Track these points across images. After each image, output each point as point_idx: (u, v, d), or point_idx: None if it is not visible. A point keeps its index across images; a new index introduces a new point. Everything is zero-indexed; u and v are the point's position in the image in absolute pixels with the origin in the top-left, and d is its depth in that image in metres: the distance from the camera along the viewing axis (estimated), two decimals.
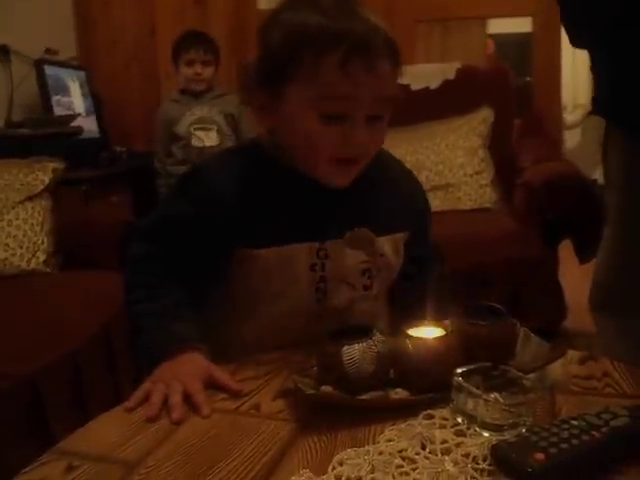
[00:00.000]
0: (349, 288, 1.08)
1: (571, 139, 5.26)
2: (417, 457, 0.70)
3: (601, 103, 1.46)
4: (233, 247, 1.04)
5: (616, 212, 1.48)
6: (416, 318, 0.88)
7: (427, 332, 0.85)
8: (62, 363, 1.78)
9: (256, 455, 0.74)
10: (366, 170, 1.05)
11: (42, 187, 2.48)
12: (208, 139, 3.20)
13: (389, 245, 1.11)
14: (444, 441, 0.73)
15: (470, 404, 0.75)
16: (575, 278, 2.67)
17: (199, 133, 3.20)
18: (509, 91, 3.28)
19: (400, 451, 0.71)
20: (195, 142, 3.21)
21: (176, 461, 0.74)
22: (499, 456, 0.67)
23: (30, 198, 2.43)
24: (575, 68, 5.15)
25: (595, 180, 3.86)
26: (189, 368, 0.92)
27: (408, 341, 0.84)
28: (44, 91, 3.23)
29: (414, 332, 0.85)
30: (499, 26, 4.25)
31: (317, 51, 0.94)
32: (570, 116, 5.33)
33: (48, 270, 2.36)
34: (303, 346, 0.96)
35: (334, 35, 0.93)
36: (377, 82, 0.95)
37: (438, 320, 0.88)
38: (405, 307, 1.13)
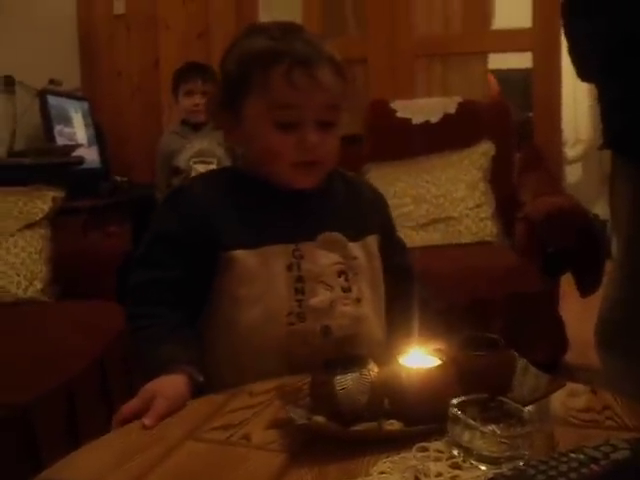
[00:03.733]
0: (327, 289, 1.11)
1: (572, 174, 5.27)
2: None
3: (610, 135, 1.45)
4: (216, 254, 1.09)
5: (625, 245, 1.47)
6: (402, 331, 0.89)
7: (422, 361, 0.83)
8: (56, 393, 1.76)
9: None
10: (330, 183, 1.19)
11: (41, 215, 2.47)
12: None
13: (361, 249, 1.17)
14: (439, 474, 0.71)
15: (466, 436, 0.73)
16: (577, 312, 2.66)
17: (199, 166, 3.16)
18: (510, 125, 3.29)
19: None
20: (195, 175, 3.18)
21: None
22: None
23: (29, 226, 2.43)
24: (576, 103, 5.18)
25: (596, 215, 3.86)
26: (160, 387, 0.96)
27: (402, 371, 0.82)
28: (47, 121, 3.25)
29: (409, 361, 0.83)
30: (500, 62, 4.28)
31: (264, 67, 1.08)
32: (571, 151, 5.34)
33: (45, 299, 2.34)
34: (298, 375, 0.94)
35: (278, 52, 1.08)
36: (320, 90, 1.09)
37: (425, 338, 0.86)
38: (391, 317, 1.21)
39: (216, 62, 3.75)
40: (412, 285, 1.26)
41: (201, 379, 1.00)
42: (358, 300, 1.14)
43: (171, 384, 0.96)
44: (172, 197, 1.18)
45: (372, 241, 1.20)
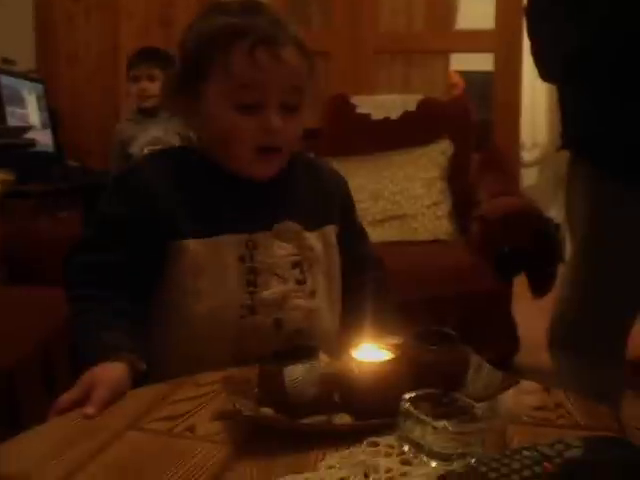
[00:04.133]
0: (280, 281, 1.08)
1: (528, 177, 5.33)
2: None
3: (569, 137, 1.45)
4: (165, 242, 1.05)
5: (579, 246, 1.47)
6: (358, 322, 0.91)
7: (375, 355, 0.81)
8: None
9: (189, 479, 0.69)
10: (291, 169, 1.14)
11: None
12: None
13: (318, 240, 1.14)
14: (389, 470, 0.69)
15: (417, 431, 0.71)
16: (529, 313, 2.68)
17: None
18: (469, 124, 3.29)
19: (341, 479, 0.67)
20: None
21: None
22: None
23: None
24: (534, 108, 5.23)
25: (550, 218, 3.90)
26: (100, 375, 0.91)
27: (354, 364, 0.80)
28: None
29: (361, 354, 0.81)
30: (462, 63, 4.30)
31: (225, 46, 1.03)
32: (528, 154, 5.39)
33: None
34: (245, 365, 0.92)
35: (240, 30, 1.03)
36: (284, 70, 1.04)
37: (381, 331, 0.84)
38: (348, 309, 1.17)
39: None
40: (370, 275, 1.22)
41: (143, 367, 0.96)
42: (312, 293, 1.11)
43: (111, 372, 0.91)
44: (121, 179, 1.13)
45: (330, 231, 1.17)
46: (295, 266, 1.10)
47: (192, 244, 1.04)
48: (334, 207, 1.20)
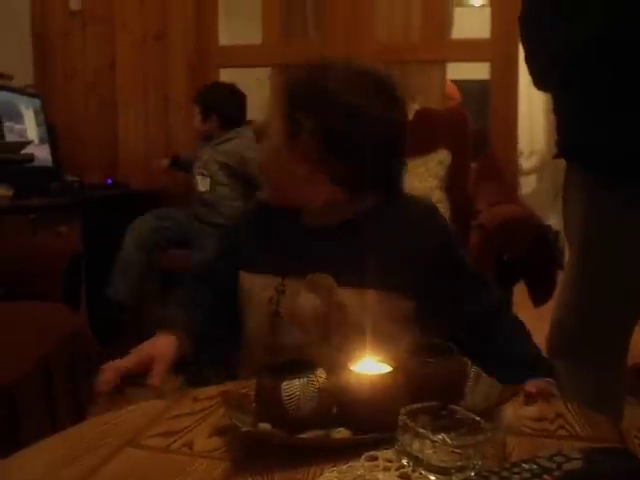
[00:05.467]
0: (302, 331, 1.08)
1: (526, 185, 5.34)
2: None
3: (565, 145, 1.45)
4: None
5: (577, 253, 1.47)
6: None
7: (373, 368, 0.81)
8: None
9: None
10: (375, 215, 1.11)
11: None
12: (202, 185, 3.25)
13: (355, 299, 1.06)
14: None
15: (416, 445, 0.71)
16: (529, 321, 2.67)
17: (198, 178, 3.26)
18: (467, 134, 3.29)
19: None
20: (196, 185, 3.27)
21: None
22: None
23: None
24: (532, 115, 5.24)
25: (549, 226, 3.90)
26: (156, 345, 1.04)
27: (352, 378, 0.80)
28: None
29: (358, 368, 0.80)
30: (459, 72, 4.30)
31: None
32: (526, 162, 5.40)
33: None
34: (243, 381, 0.91)
35: None
36: None
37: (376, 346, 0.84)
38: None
39: (172, 65, 3.76)
40: (493, 331, 1.12)
41: (189, 348, 1.08)
42: (338, 348, 1.03)
43: (167, 348, 1.03)
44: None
45: (373, 296, 1.06)
46: (320, 321, 1.07)
47: (243, 275, 1.16)
48: (407, 273, 1.08)
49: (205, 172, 3.24)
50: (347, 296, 1.06)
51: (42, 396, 1.90)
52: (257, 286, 1.13)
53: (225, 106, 3.27)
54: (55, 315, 2.10)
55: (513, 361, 1.06)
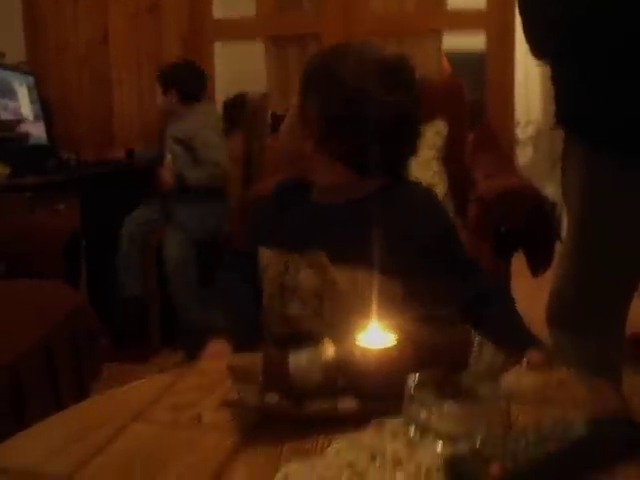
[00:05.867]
0: (300, 304, 1.13)
1: (523, 155, 5.32)
2: (366, 470, 0.66)
3: (563, 115, 1.45)
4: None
5: (576, 223, 1.47)
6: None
7: (378, 338, 0.81)
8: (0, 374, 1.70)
9: (196, 468, 0.70)
10: (378, 197, 1.17)
11: None
12: (168, 160, 3.29)
13: (346, 276, 1.12)
14: (395, 453, 0.69)
15: (423, 414, 0.72)
16: (527, 291, 2.68)
17: (167, 155, 3.30)
18: (463, 105, 3.27)
19: (349, 463, 0.67)
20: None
21: (111, 474, 0.69)
22: (453, 468, 0.64)
23: None
24: (527, 85, 5.21)
25: (546, 196, 3.90)
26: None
27: (358, 349, 0.80)
28: None
29: (364, 339, 0.81)
30: (451, 43, 4.28)
31: None
32: (522, 132, 5.38)
33: None
34: (248, 353, 0.92)
35: None
36: None
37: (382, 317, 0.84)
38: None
39: (166, 38, 3.73)
40: (485, 317, 1.10)
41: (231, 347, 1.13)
42: (330, 325, 1.10)
43: (225, 348, 1.10)
44: None
45: (363, 275, 1.11)
46: (316, 296, 1.13)
47: (261, 250, 1.21)
48: (407, 253, 1.12)
49: (167, 149, 3.30)
50: (339, 274, 1.12)
51: (45, 374, 1.91)
52: (270, 261, 1.19)
53: (184, 81, 3.33)
54: (56, 293, 2.10)
55: (507, 338, 1.05)
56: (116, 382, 0.97)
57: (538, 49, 1.43)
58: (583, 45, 1.31)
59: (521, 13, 1.42)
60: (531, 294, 2.35)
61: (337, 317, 1.10)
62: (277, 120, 3.93)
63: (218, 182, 3.20)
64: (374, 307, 1.00)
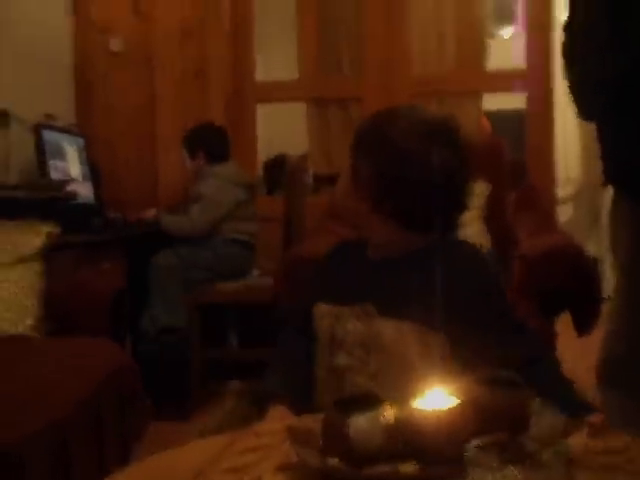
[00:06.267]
0: (347, 354, 1.16)
1: (563, 213, 5.29)
2: None
3: (611, 173, 1.45)
4: None
5: (625, 280, 1.46)
6: None
7: (440, 400, 0.81)
8: (46, 432, 1.70)
9: None
10: (428, 255, 1.18)
11: (35, 250, 2.43)
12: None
13: (393, 329, 1.15)
14: None
15: (488, 479, 0.71)
16: (574, 352, 2.63)
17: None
18: (504, 165, 3.28)
19: None
20: None
21: None
22: None
23: (21, 261, 2.39)
24: (566, 143, 5.21)
25: (589, 254, 3.86)
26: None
27: (419, 412, 0.79)
28: (41, 155, 3.22)
29: (426, 401, 0.80)
30: (491, 103, 4.32)
31: None
32: (561, 191, 5.36)
33: (36, 335, 2.29)
34: (305, 416, 0.92)
35: None
36: None
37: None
38: None
39: (212, 100, 3.83)
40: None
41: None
42: (374, 375, 1.14)
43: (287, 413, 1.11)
44: None
45: (409, 327, 1.14)
46: (362, 345, 1.16)
47: (317, 308, 1.25)
48: (455, 306, 1.11)
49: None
50: (385, 325, 1.15)
51: (91, 432, 1.91)
52: (323, 314, 1.23)
53: (210, 143, 3.44)
54: (101, 351, 2.12)
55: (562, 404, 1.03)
56: (156, 443, 0.95)
57: (586, 110, 1.44)
58: (631, 102, 1.32)
59: (567, 74, 1.44)
60: (579, 355, 2.31)
61: (383, 368, 1.15)
62: (319, 181, 3.99)
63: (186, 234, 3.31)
64: (419, 361, 1.10)
